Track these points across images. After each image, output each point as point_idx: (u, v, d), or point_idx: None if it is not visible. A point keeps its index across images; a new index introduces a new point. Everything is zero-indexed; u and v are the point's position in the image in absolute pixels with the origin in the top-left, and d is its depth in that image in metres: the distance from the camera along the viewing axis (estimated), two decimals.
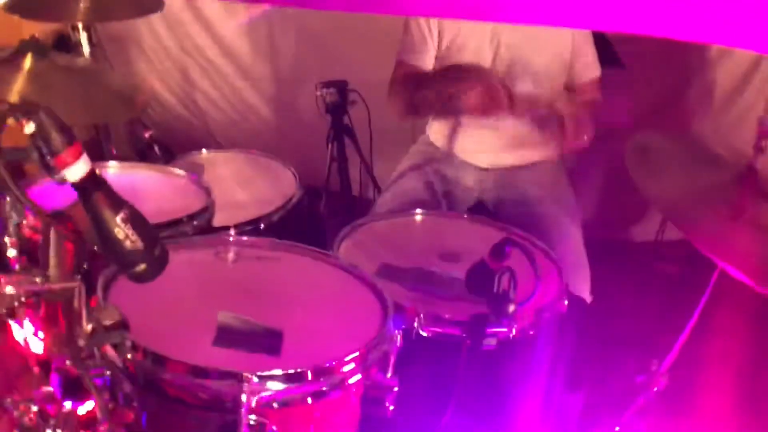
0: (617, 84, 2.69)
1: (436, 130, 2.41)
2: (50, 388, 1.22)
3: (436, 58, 2.23)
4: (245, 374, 1.20)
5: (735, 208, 1.41)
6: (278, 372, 1.23)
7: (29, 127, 1.04)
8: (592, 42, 2.28)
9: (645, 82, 2.90)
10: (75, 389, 1.20)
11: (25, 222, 1.68)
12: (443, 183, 2.34)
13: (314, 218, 2.63)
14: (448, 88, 2.12)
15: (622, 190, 1.89)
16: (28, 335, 1.21)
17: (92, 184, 1.05)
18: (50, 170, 1.05)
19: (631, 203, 2.90)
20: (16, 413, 1.23)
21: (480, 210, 2.33)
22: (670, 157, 1.56)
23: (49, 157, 1.03)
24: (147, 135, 2.59)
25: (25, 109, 1.04)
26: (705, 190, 1.46)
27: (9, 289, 1.10)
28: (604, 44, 2.42)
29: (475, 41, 2.16)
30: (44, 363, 1.25)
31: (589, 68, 2.30)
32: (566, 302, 1.72)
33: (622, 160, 1.52)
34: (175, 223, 1.79)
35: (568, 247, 2.05)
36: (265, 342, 1.31)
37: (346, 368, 1.29)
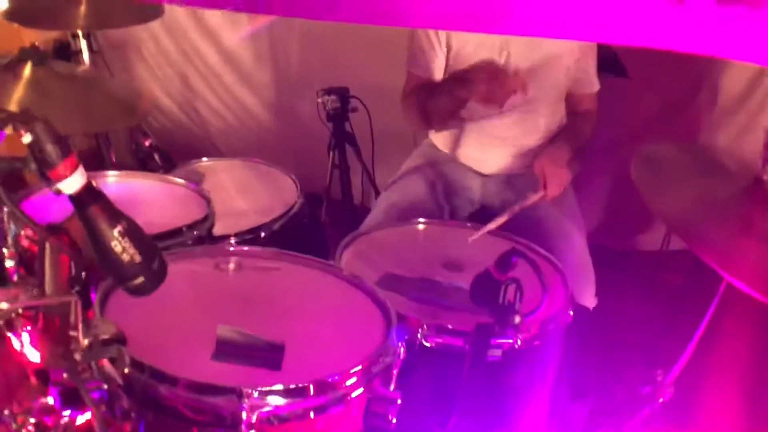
0: (622, 94, 2.69)
1: (439, 137, 2.40)
2: (48, 400, 1.20)
3: (446, 67, 2.22)
4: (245, 389, 1.18)
5: (742, 221, 1.38)
6: (279, 387, 1.21)
7: (27, 137, 1.02)
8: (595, 55, 2.28)
9: (649, 92, 2.89)
10: (73, 399, 1.18)
11: (23, 233, 1.66)
12: (446, 185, 2.34)
13: (315, 227, 2.61)
14: (460, 92, 2.10)
15: (628, 199, 1.88)
16: (25, 346, 1.19)
17: (88, 196, 1.03)
18: (47, 181, 1.03)
19: (637, 212, 2.89)
20: (13, 425, 1.22)
21: (483, 217, 2.31)
22: (676, 169, 1.54)
23: (45, 169, 1.01)
24: (147, 143, 2.58)
25: (22, 119, 1.02)
26: (712, 203, 1.43)
27: (4, 304, 1.08)
28: (609, 54, 2.41)
29: (484, 52, 2.15)
30: (42, 374, 1.23)
31: (591, 81, 2.30)
32: (572, 312, 1.70)
33: (628, 169, 1.50)
34: (175, 232, 1.77)
35: (573, 252, 2.04)
36: (266, 356, 1.29)
37: (349, 382, 1.27)
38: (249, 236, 2.02)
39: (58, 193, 1.03)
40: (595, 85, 2.32)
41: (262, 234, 2.05)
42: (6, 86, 1.75)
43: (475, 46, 2.16)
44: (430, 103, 2.19)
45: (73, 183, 1.02)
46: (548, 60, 2.17)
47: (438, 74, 2.22)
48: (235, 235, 2.00)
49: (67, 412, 1.20)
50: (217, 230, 1.92)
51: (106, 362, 1.24)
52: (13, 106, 1.70)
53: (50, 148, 1.01)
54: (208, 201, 1.95)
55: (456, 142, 2.34)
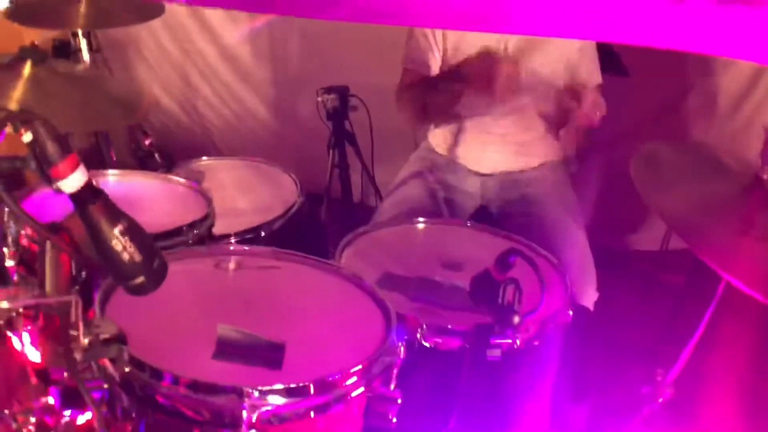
0: (621, 91, 2.68)
1: (437, 137, 2.40)
2: (49, 399, 1.20)
3: (442, 63, 2.22)
4: (245, 389, 1.18)
5: (742, 221, 1.38)
6: (279, 386, 1.21)
7: (27, 136, 1.02)
8: (595, 49, 2.27)
9: (649, 90, 2.89)
10: (74, 398, 1.18)
11: (23, 232, 1.66)
12: (445, 190, 2.33)
13: (315, 225, 2.61)
14: (455, 84, 2.09)
15: (627, 198, 1.88)
16: (26, 345, 1.19)
17: (89, 195, 1.03)
18: (48, 180, 1.03)
19: (637, 212, 2.89)
20: (14, 425, 1.22)
21: (483, 216, 2.31)
22: (676, 168, 1.54)
23: (45, 168, 1.01)
24: (147, 142, 2.57)
25: (23, 117, 1.02)
26: (712, 202, 1.43)
27: (4, 303, 1.08)
28: (608, 52, 2.41)
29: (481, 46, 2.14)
30: (43, 373, 1.23)
31: (592, 75, 2.29)
32: (571, 312, 1.70)
33: (627, 168, 1.50)
34: (175, 232, 1.77)
35: (574, 250, 2.04)
36: (266, 355, 1.29)
37: (349, 381, 1.27)
38: (249, 235, 2.02)
39: (59, 191, 1.03)
40: (597, 78, 2.30)
41: (263, 233, 2.05)
42: (6, 85, 1.75)
43: (472, 43, 2.15)
44: (425, 98, 2.19)
45: (73, 181, 1.02)
46: (547, 54, 2.17)
47: (435, 70, 2.22)
48: (236, 234, 2.00)
49: (67, 412, 1.20)
50: (218, 229, 1.92)
51: (106, 362, 1.24)
52: (13, 105, 1.70)
53: (51, 147, 1.01)
54: (208, 200, 1.94)
55: (454, 142, 2.34)
